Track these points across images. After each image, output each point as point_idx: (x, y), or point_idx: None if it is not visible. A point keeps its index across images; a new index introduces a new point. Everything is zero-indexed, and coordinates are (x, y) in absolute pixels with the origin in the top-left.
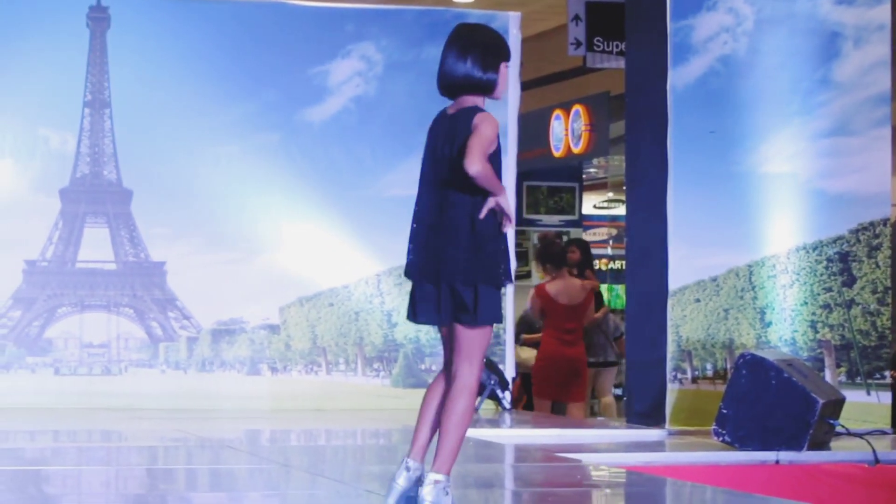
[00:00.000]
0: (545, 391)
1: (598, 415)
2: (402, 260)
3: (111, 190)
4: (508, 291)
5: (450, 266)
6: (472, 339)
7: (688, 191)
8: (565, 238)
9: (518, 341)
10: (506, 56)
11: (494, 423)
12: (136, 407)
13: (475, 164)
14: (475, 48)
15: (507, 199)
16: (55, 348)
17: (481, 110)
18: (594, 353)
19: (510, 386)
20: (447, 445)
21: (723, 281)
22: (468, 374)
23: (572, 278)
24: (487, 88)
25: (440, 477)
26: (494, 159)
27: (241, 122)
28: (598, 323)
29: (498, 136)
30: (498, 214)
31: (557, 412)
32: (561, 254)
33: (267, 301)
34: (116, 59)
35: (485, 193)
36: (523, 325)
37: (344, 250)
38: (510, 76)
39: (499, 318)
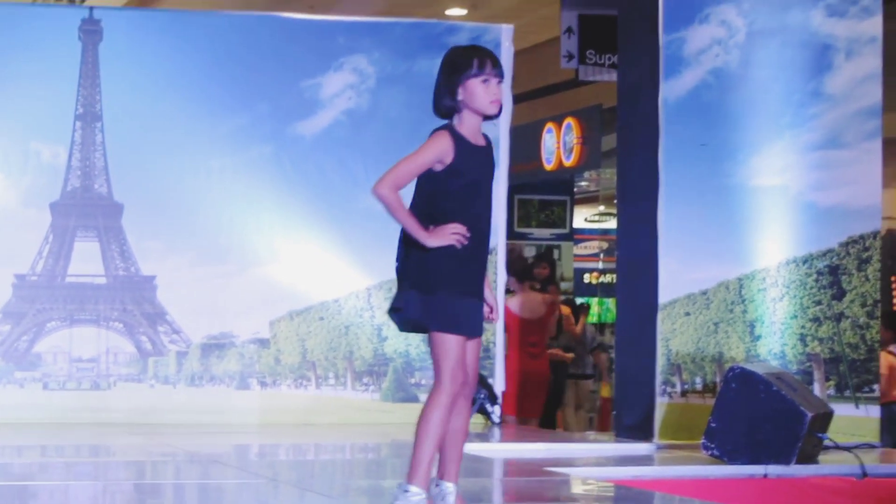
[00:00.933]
0: (511, 406)
1: (573, 426)
2: (393, 274)
3: (102, 203)
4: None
5: (402, 271)
6: (432, 348)
7: (679, 204)
8: (556, 252)
9: None
10: (471, 70)
11: (483, 437)
12: (124, 422)
13: (378, 187)
14: (438, 75)
15: (434, 239)
16: (44, 363)
17: (440, 129)
18: (575, 365)
19: (499, 400)
20: (414, 456)
21: (713, 294)
22: (436, 385)
23: (533, 293)
24: (454, 110)
25: (408, 486)
26: (446, 177)
27: (233, 135)
28: (580, 335)
29: (456, 155)
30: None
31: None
32: (525, 270)
33: (257, 315)
34: (108, 73)
35: (437, 215)
36: None
37: (334, 264)
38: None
39: (444, 325)
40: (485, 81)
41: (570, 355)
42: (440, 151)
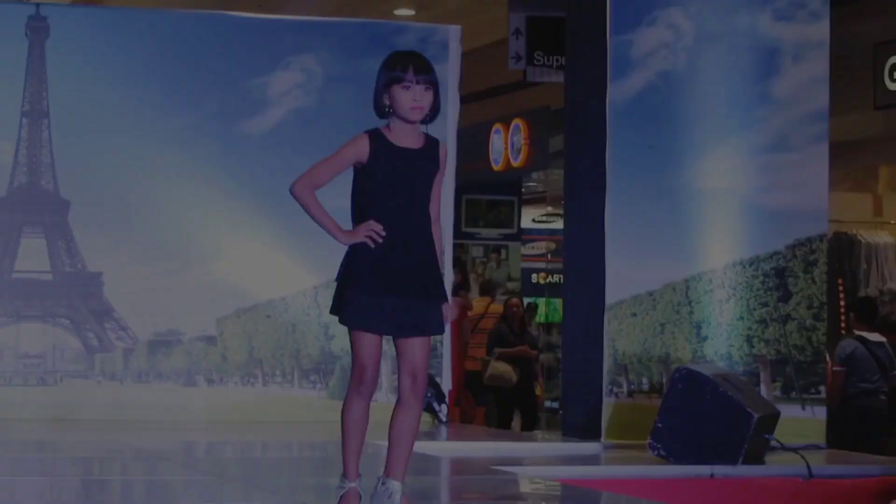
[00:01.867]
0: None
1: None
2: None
3: (48, 200)
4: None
5: None
6: None
7: (625, 205)
8: (503, 252)
9: (492, 355)
10: (393, 75)
11: (431, 435)
12: (71, 418)
13: (293, 186)
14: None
15: (348, 237)
16: None
17: (366, 131)
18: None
19: (446, 398)
20: None
21: (659, 295)
22: None
23: None
24: (384, 115)
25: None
26: (361, 177)
27: (181, 132)
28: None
29: (371, 156)
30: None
31: None
32: None
33: (204, 312)
34: (55, 69)
35: (357, 214)
36: (495, 340)
37: (282, 262)
38: (449, 90)
39: (347, 321)
40: (406, 87)
41: (536, 352)
42: (355, 152)
